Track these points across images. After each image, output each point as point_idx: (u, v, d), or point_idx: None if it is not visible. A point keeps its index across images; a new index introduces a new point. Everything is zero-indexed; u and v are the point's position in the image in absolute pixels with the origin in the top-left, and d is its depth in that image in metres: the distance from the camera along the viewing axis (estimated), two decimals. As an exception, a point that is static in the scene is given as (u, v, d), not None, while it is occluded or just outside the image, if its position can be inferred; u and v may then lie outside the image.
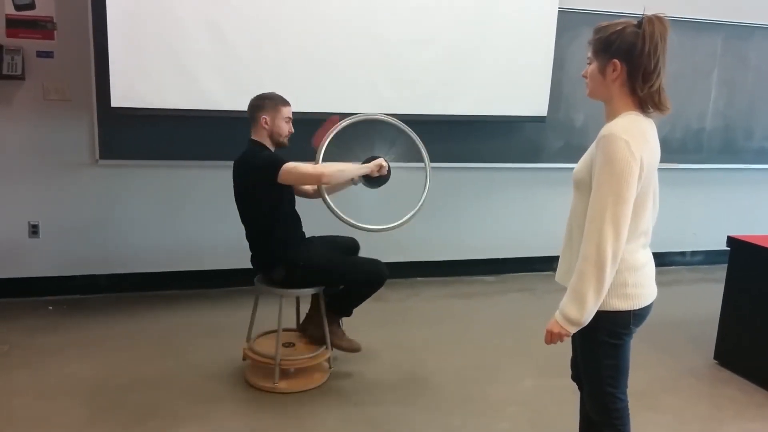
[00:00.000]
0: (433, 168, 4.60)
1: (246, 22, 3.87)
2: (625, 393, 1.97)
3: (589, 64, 1.86)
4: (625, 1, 4.68)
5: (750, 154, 5.36)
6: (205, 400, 2.96)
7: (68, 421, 2.74)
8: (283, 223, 3.10)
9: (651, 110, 1.81)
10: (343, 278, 3.16)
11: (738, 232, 3.51)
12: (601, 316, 1.79)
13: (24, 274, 4.10)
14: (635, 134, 1.72)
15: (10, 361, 3.25)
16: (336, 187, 3.24)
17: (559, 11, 4.44)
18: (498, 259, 5.02)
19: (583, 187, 1.81)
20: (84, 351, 3.41)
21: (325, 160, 3.06)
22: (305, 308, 3.37)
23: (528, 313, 4.26)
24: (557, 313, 1.80)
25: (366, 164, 3.13)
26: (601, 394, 1.95)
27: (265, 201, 3.02)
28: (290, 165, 2.91)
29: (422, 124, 4.43)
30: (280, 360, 3.06)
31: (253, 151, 3.04)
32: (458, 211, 4.84)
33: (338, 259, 3.17)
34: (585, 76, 1.88)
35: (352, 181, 3.22)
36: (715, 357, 3.56)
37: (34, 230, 4.07)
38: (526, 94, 4.51)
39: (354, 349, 3.26)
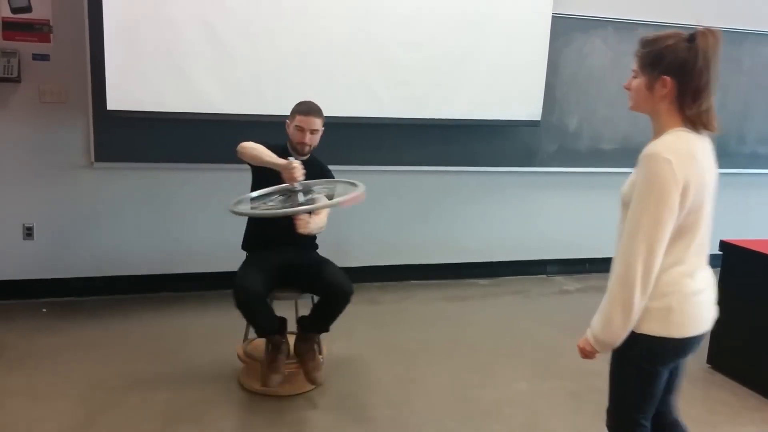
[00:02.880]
0: (427, 171, 4.67)
1: (242, 25, 3.88)
2: (649, 420, 1.86)
3: (634, 77, 1.77)
4: (618, 7, 4.77)
5: (742, 159, 5.40)
6: (200, 402, 2.96)
7: (63, 423, 2.73)
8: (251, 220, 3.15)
9: (701, 129, 1.72)
10: None
11: (730, 237, 3.54)
12: (638, 338, 1.72)
13: (18, 276, 4.09)
14: (681, 152, 1.64)
15: (4, 363, 3.25)
16: None
17: (552, 16, 4.46)
18: (492, 262, 5.04)
19: (628, 207, 1.72)
20: (78, 353, 3.41)
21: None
22: (305, 311, 3.37)
23: (522, 316, 4.28)
24: (588, 330, 1.77)
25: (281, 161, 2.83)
26: (624, 418, 1.86)
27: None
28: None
29: (417, 127, 4.48)
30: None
31: None
32: (452, 214, 4.86)
33: (242, 274, 2.96)
34: (628, 89, 1.80)
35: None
36: (708, 361, 3.58)
37: (28, 232, 4.07)
38: (520, 98, 4.54)
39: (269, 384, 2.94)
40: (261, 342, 3.26)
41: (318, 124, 3.08)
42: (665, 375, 1.79)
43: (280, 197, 2.87)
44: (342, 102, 4.13)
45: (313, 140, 3.09)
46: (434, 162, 4.66)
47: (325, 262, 3.12)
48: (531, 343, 3.84)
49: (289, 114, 3.10)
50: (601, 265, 5.32)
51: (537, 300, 4.62)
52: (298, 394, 3.07)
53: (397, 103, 4.27)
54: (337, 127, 4.05)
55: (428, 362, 3.49)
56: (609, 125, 4.94)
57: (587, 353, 1.78)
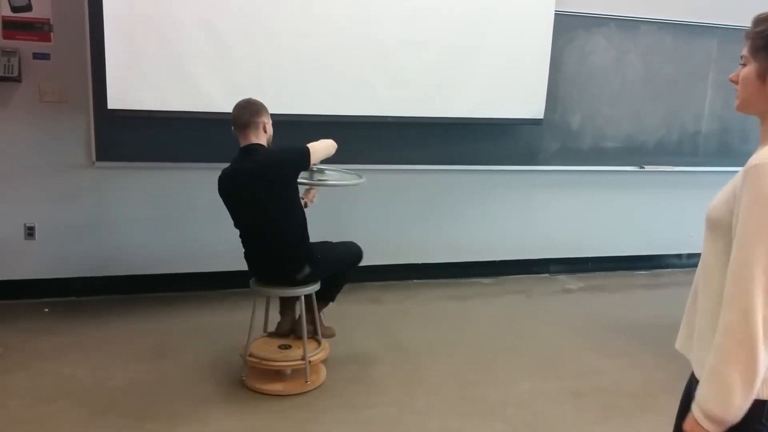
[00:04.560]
0: (429, 170, 4.66)
1: (243, 24, 3.87)
2: None
3: (743, 65, 1.41)
4: (620, 4, 4.75)
5: (745, 157, 5.20)
6: (202, 402, 2.96)
7: (65, 423, 2.73)
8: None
9: None
10: (343, 264, 3.30)
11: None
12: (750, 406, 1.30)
13: (20, 276, 4.09)
14: None
15: (6, 364, 3.24)
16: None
17: (555, 14, 4.44)
18: (494, 261, 5.03)
19: (719, 228, 1.36)
20: (80, 353, 3.40)
21: None
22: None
23: (524, 315, 4.27)
24: (694, 406, 1.33)
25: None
26: None
27: (297, 197, 3.09)
28: (311, 145, 3.02)
29: (419, 126, 4.47)
30: (273, 362, 3.07)
31: (269, 151, 3.02)
32: (455, 213, 4.85)
33: (334, 247, 3.31)
34: (734, 81, 1.44)
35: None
36: (711, 359, 3.54)
37: (30, 232, 4.07)
38: (522, 97, 4.52)
39: (331, 334, 3.40)
40: (263, 341, 3.26)
41: None
42: None
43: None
44: (344, 101, 4.12)
45: None
46: (436, 161, 4.65)
47: (317, 242, 3.28)
48: (534, 342, 3.83)
49: (267, 112, 3.05)
50: (604, 264, 5.35)
51: (539, 299, 4.61)
52: (300, 394, 3.06)
53: (398, 102, 4.26)
54: (339, 126, 4.04)
55: (431, 361, 3.48)
56: (612, 124, 4.93)
57: None
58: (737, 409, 1.26)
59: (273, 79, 3.94)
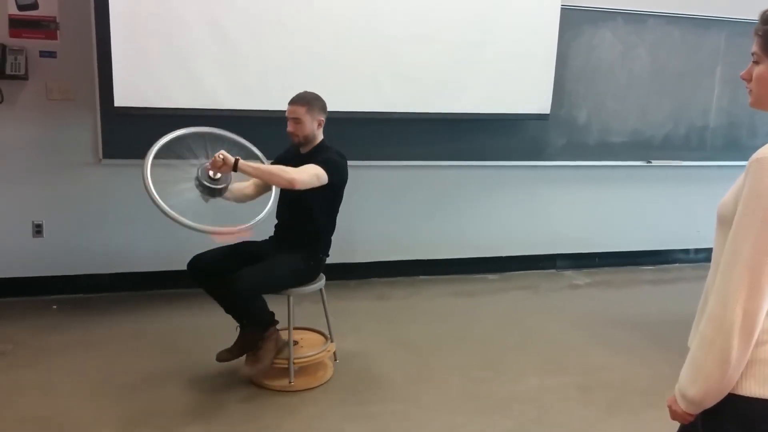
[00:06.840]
0: (435, 166, 4.65)
1: (249, 21, 3.88)
2: None
3: (756, 63, 1.37)
4: (627, -2, 4.72)
5: (753, 151, 5.30)
6: (210, 398, 2.97)
7: (73, 419, 2.75)
8: None
9: None
10: None
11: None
12: (730, 401, 1.32)
13: (28, 273, 4.11)
14: None
15: (15, 360, 3.27)
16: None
17: (561, 8, 4.43)
18: (501, 257, 5.02)
19: (729, 225, 1.34)
20: (88, 350, 3.42)
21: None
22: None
23: (531, 311, 4.26)
24: (677, 385, 1.40)
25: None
26: None
27: None
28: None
29: (425, 122, 4.46)
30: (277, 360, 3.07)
31: None
32: (461, 209, 4.84)
33: None
34: (746, 79, 1.40)
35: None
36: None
37: (38, 230, 4.09)
38: (528, 92, 4.51)
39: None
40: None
41: (297, 112, 3.02)
42: None
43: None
44: (349, 97, 4.12)
45: (296, 129, 3.04)
46: (442, 157, 4.64)
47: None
48: (540, 338, 3.82)
49: None
50: (611, 259, 5.34)
51: (546, 295, 4.60)
52: (308, 390, 3.07)
53: (404, 97, 4.25)
54: (345, 122, 4.03)
55: (437, 357, 3.48)
56: (618, 118, 4.91)
57: (677, 414, 1.40)
58: (709, 394, 1.31)
59: (278, 76, 3.94)
